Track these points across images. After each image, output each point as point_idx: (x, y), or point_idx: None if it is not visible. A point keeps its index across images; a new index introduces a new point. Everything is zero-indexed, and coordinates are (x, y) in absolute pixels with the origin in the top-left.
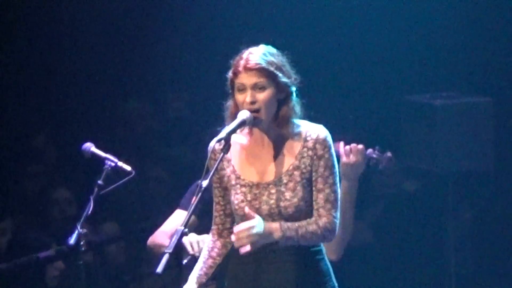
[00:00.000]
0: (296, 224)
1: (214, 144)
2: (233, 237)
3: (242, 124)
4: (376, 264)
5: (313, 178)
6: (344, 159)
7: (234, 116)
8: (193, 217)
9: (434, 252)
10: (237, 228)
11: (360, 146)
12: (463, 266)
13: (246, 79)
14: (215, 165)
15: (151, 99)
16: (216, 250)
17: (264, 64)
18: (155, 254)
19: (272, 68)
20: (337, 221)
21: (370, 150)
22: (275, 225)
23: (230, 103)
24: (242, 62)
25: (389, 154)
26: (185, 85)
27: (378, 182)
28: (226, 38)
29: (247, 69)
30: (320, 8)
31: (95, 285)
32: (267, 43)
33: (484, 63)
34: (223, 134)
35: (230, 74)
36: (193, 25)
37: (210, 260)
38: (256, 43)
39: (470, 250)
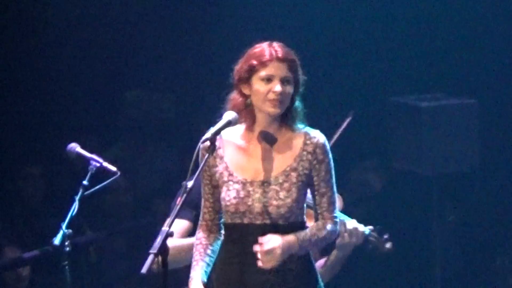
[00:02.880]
0: (309, 233)
1: (200, 145)
2: (259, 263)
3: (227, 124)
4: (361, 265)
5: (315, 183)
6: (341, 239)
7: (236, 109)
8: (187, 222)
9: (420, 253)
10: (261, 252)
11: (361, 229)
12: (449, 267)
13: (276, 69)
14: (201, 166)
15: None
16: (210, 247)
17: (293, 57)
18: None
19: (297, 63)
20: (338, 220)
21: (369, 229)
22: (292, 239)
23: (233, 95)
24: (271, 51)
25: (388, 245)
26: (174, 85)
27: None
28: (219, 38)
29: (278, 59)
30: (307, 8)
31: (80, 285)
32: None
33: (469, 64)
34: (208, 135)
35: (251, 63)
36: (187, 24)
37: (207, 258)
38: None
39: (455, 252)
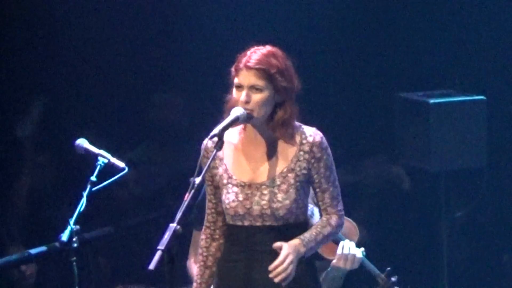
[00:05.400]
0: (313, 232)
1: (207, 141)
2: (276, 280)
3: (235, 120)
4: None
5: (315, 180)
6: (336, 262)
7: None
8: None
9: (427, 250)
10: (273, 267)
11: (358, 256)
12: (456, 264)
13: (244, 78)
14: (208, 162)
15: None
16: (211, 258)
17: (264, 66)
18: None
19: (272, 71)
20: (343, 213)
21: (378, 273)
22: (297, 242)
23: (230, 96)
24: (244, 59)
25: None
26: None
27: None
28: (220, 40)
29: (247, 67)
30: (315, 3)
31: (87, 282)
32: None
33: (478, 61)
34: (216, 130)
35: (232, 69)
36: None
37: (208, 272)
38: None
39: (462, 248)
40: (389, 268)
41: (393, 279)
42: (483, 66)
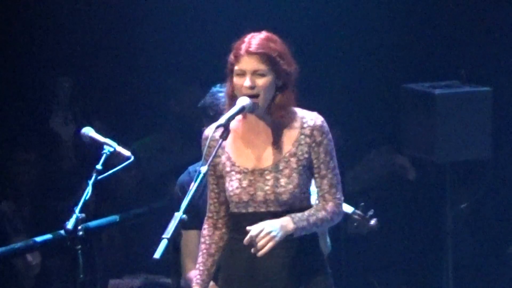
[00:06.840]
0: (306, 213)
1: (212, 131)
2: (253, 250)
3: (241, 110)
4: (373, 253)
5: (315, 166)
6: None
7: (230, 99)
8: (195, 231)
9: (432, 241)
10: (252, 234)
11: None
12: (460, 255)
13: (246, 63)
14: (214, 152)
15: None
16: (214, 246)
17: (266, 50)
18: None
19: (274, 55)
20: (342, 202)
21: (353, 210)
22: (285, 219)
23: (227, 85)
24: (244, 46)
25: (373, 222)
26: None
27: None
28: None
29: (249, 53)
30: None
31: (92, 269)
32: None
33: (483, 52)
34: (221, 120)
35: (231, 57)
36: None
37: (210, 260)
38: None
39: (467, 239)
40: (362, 203)
41: (369, 212)
42: (489, 57)
